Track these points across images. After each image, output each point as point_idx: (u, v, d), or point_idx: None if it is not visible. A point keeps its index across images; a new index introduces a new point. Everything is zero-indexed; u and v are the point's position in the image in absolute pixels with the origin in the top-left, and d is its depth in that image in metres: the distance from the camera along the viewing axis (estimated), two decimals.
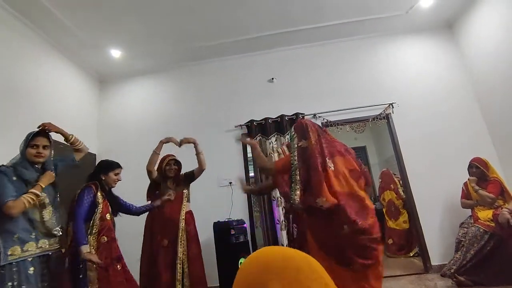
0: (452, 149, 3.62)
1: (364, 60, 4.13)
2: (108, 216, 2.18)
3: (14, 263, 1.63)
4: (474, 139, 3.64)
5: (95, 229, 2.06)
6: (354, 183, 1.71)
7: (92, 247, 1.99)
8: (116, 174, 2.33)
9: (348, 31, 4.05)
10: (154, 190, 2.78)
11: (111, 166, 2.33)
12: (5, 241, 1.65)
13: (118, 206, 2.39)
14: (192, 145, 2.76)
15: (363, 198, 1.69)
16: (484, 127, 3.70)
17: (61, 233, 1.90)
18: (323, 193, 1.61)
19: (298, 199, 1.67)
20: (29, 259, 1.69)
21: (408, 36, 4.15)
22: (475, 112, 3.77)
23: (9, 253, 1.63)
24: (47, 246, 1.81)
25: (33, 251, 1.72)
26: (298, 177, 1.71)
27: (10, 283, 1.60)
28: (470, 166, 3.09)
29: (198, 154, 2.76)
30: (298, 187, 1.69)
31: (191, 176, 2.83)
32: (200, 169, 2.80)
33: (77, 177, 2.38)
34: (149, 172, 2.74)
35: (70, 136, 2.12)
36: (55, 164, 2.01)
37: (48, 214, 1.84)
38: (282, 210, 3.50)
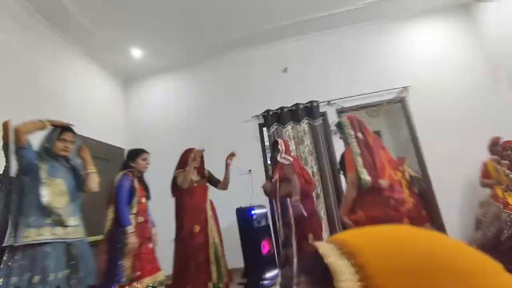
0: (471, 130, 3.59)
1: (378, 44, 4.10)
2: (143, 199, 2.43)
3: (29, 246, 1.62)
4: (494, 119, 3.58)
5: (134, 210, 2.31)
6: (392, 172, 2.02)
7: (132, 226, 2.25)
8: (144, 159, 2.51)
9: (361, 16, 4.01)
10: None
11: (136, 152, 2.53)
12: (21, 223, 1.64)
13: (148, 192, 2.59)
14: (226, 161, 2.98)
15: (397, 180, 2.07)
16: (504, 107, 3.61)
17: (76, 224, 1.84)
18: (385, 174, 1.94)
19: (370, 179, 1.88)
20: (45, 243, 1.66)
21: (423, 17, 4.07)
22: (494, 92, 3.69)
23: (24, 235, 1.62)
24: (62, 234, 1.73)
25: (47, 236, 1.68)
26: (361, 161, 1.93)
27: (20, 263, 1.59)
28: (505, 149, 2.98)
29: (226, 177, 2.95)
30: (364, 170, 1.91)
31: (212, 182, 3.00)
32: (221, 188, 3.00)
33: (106, 170, 2.60)
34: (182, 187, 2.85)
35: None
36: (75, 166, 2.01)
37: (63, 201, 1.80)
38: None
